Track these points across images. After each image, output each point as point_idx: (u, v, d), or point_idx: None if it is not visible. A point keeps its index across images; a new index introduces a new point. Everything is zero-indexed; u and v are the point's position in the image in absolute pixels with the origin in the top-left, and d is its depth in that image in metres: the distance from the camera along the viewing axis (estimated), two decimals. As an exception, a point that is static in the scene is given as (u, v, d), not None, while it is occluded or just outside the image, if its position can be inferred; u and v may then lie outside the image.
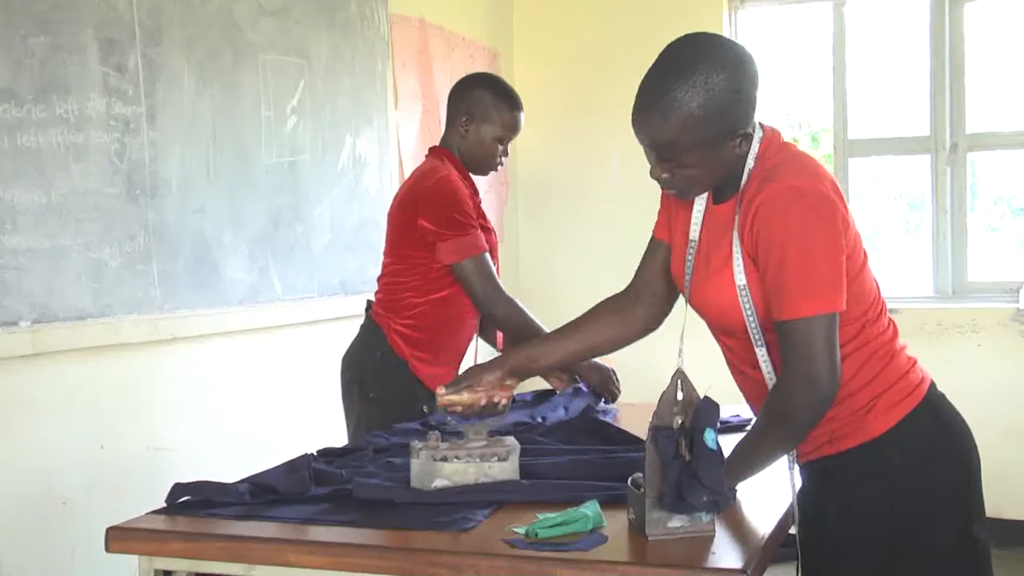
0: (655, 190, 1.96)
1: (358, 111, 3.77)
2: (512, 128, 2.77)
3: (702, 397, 1.66)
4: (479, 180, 2.91)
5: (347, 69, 3.72)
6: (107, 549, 1.77)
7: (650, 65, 1.77)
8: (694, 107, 1.68)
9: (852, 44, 4.77)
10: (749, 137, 1.76)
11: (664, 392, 1.65)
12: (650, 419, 1.66)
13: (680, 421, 1.62)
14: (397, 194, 2.82)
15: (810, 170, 1.76)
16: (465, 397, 1.99)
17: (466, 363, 2.76)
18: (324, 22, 3.60)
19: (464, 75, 2.98)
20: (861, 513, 1.78)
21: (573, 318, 2.11)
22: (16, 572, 2.49)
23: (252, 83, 3.25)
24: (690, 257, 1.87)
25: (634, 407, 2.75)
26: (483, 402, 2.00)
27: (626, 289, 2.10)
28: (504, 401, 2.02)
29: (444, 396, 1.99)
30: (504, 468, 1.91)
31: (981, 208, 4.90)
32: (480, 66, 4.66)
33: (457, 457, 1.90)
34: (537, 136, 5.10)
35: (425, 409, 2.63)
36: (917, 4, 4.70)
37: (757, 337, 1.76)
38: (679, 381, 1.66)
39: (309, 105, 3.51)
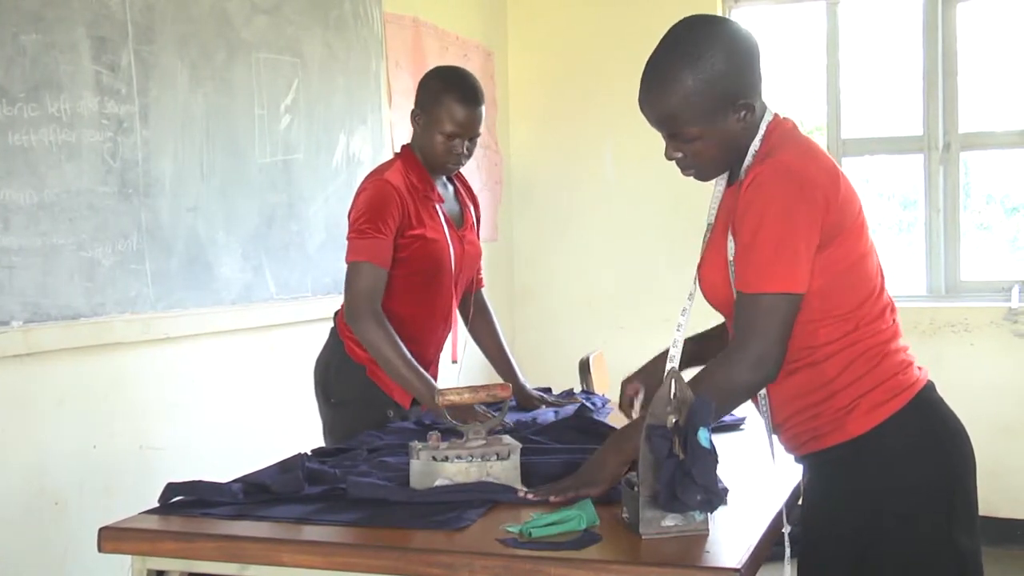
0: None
1: (352, 110, 3.76)
2: (461, 124, 2.54)
3: (696, 396, 1.66)
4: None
5: (341, 67, 3.71)
6: (100, 549, 1.77)
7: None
8: (688, 77, 1.74)
9: (846, 43, 4.78)
10: (751, 109, 1.78)
11: (658, 391, 1.65)
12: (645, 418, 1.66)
13: (674, 420, 1.62)
14: None
15: (805, 150, 1.78)
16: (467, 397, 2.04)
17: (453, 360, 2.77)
18: (318, 20, 3.59)
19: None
20: (838, 511, 1.78)
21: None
22: (8, 572, 2.49)
23: (245, 81, 3.24)
24: (705, 240, 1.90)
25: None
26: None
27: None
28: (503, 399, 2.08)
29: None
30: (505, 467, 1.91)
31: (973, 207, 4.91)
32: (475, 64, 4.66)
33: (459, 457, 1.90)
34: (532, 134, 5.11)
35: (390, 413, 2.61)
36: (910, 4, 4.71)
37: None
38: (673, 380, 1.66)
39: (303, 104, 3.51)
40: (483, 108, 2.61)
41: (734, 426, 2.48)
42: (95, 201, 2.69)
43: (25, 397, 2.55)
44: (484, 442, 1.94)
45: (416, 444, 1.92)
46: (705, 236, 1.90)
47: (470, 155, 2.65)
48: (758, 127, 1.81)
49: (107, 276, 2.72)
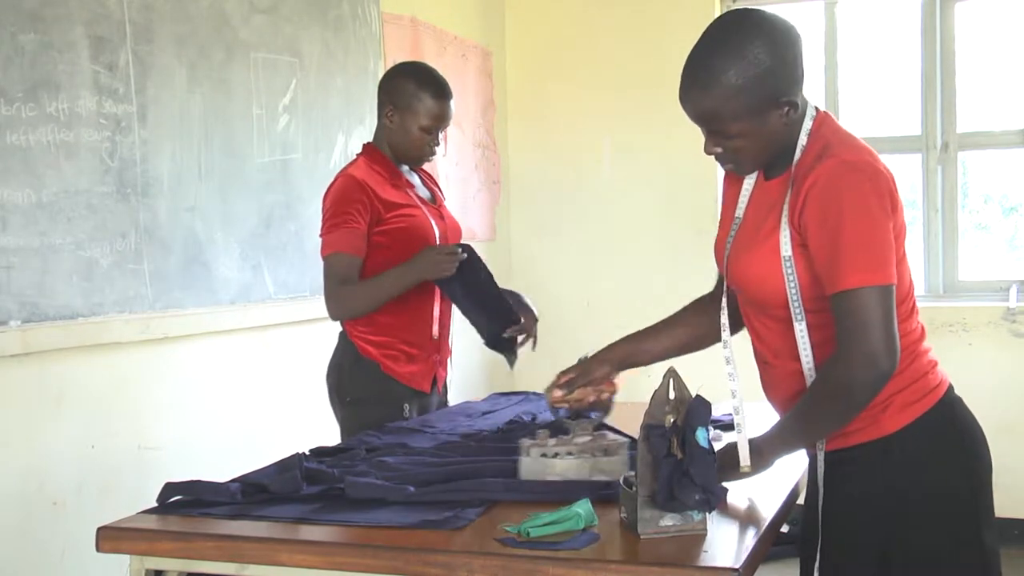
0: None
1: (350, 110, 3.76)
2: (437, 117, 2.69)
3: (694, 395, 1.66)
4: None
5: (339, 67, 3.71)
6: (98, 549, 1.77)
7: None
8: (731, 75, 1.70)
9: (844, 43, 4.78)
10: (795, 106, 1.76)
11: (656, 390, 1.65)
12: (642, 417, 1.66)
13: (672, 419, 1.63)
14: None
15: (862, 147, 1.77)
16: (575, 394, 2.08)
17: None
18: (316, 20, 3.59)
19: (440, 70, 2.86)
20: (864, 508, 1.77)
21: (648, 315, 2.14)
22: (6, 572, 2.49)
23: (243, 81, 3.24)
24: (732, 232, 1.87)
25: (626, 405, 2.74)
26: (592, 398, 2.10)
27: (712, 291, 2.11)
28: (608, 395, 2.12)
29: (556, 396, 2.08)
30: (613, 462, 1.91)
31: (972, 207, 4.92)
32: (473, 64, 4.66)
33: (569, 453, 1.91)
34: (529, 134, 5.11)
35: (406, 407, 2.63)
36: (908, 4, 4.71)
37: (798, 311, 1.74)
38: (671, 380, 1.66)
39: (301, 103, 3.50)
40: (453, 100, 2.73)
41: (732, 426, 2.47)
42: (93, 201, 2.69)
43: (23, 397, 2.55)
44: (591, 438, 1.95)
45: (526, 441, 1.94)
46: (733, 230, 1.88)
47: (440, 144, 2.76)
48: (801, 123, 1.78)
49: (105, 276, 2.72)
